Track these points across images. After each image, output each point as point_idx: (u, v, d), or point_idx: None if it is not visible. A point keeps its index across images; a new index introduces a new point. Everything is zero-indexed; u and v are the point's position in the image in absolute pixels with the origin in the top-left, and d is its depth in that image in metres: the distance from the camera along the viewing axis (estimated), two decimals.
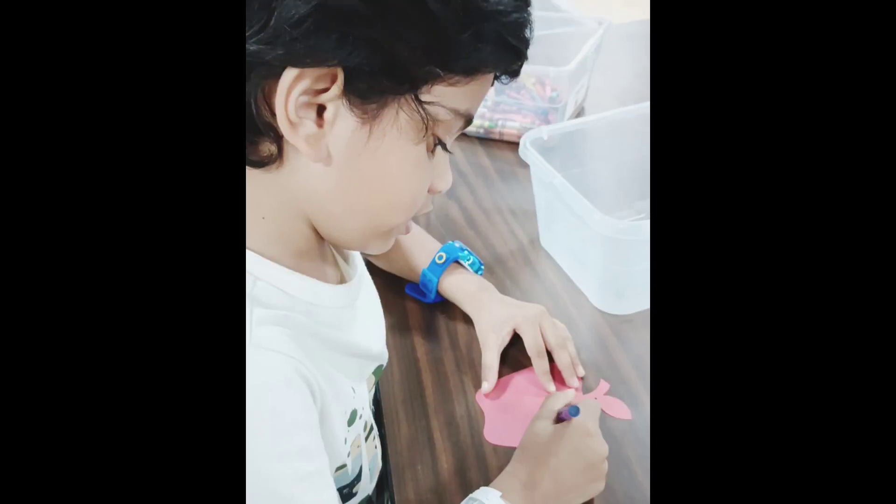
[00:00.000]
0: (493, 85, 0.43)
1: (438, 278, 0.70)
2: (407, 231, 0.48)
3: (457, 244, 0.72)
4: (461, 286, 0.69)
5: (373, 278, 0.76)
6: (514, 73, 0.41)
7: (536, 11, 1.18)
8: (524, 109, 1.01)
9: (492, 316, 0.66)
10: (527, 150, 0.75)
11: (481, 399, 0.63)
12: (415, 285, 0.73)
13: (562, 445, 0.52)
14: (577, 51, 0.98)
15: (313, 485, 0.41)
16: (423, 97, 0.38)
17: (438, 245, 0.72)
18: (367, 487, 0.55)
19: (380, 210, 0.43)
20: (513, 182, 0.92)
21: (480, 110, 1.03)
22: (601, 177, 0.83)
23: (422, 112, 0.38)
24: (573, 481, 0.52)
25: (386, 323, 0.71)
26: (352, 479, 0.52)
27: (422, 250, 0.73)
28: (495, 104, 1.02)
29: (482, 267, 0.72)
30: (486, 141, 1.02)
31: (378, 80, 0.37)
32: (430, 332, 0.70)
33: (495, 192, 0.91)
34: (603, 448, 0.54)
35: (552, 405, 0.56)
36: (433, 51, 0.37)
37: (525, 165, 0.76)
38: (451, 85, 0.38)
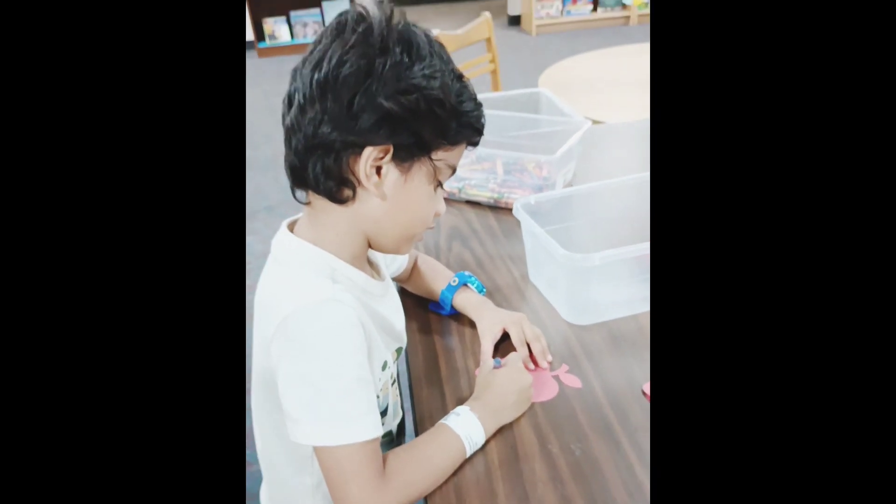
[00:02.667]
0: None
1: (452, 296, 0.99)
2: (421, 239, 0.79)
3: (466, 273, 1.01)
4: (468, 300, 0.98)
5: (407, 300, 1.06)
6: (476, 143, 0.75)
7: (545, 116, 1.53)
8: (524, 185, 1.32)
9: (488, 319, 0.95)
10: (518, 211, 1.05)
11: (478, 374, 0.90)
12: (435, 303, 1.03)
13: (503, 378, 0.82)
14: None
15: (364, 386, 0.70)
16: (434, 158, 0.70)
17: (452, 274, 1.02)
18: (390, 423, 0.84)
19: (410, 224, 0.74)
20: (512, 238, 1.22)
21: (491, 185, 1.35)
22: (576, 232, 1.12)
23: (433, 166, 0.70)
24: (510, 399, 0.81)
25: (414, 326, 1.00)
26: (381, 409, 0.79)
27: (441, 278, 1.02)
28: (504, 181, 1.34)
29: (484, 289, 1.01)
30: (496, 208, 1.33)
31: (411, 151, 0.68)
32: (445, 333, 0.99)
33: (499, 244, 1.21)
34: (528, 378, 0.84)
35: (488, 363, 0.87)
36: (439, 133, 0.69)
37: None
38: (446, 151, 0.71)
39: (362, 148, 0.66)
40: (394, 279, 1.04)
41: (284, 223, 0.77)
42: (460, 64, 2.48)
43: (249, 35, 5.61)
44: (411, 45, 0.66)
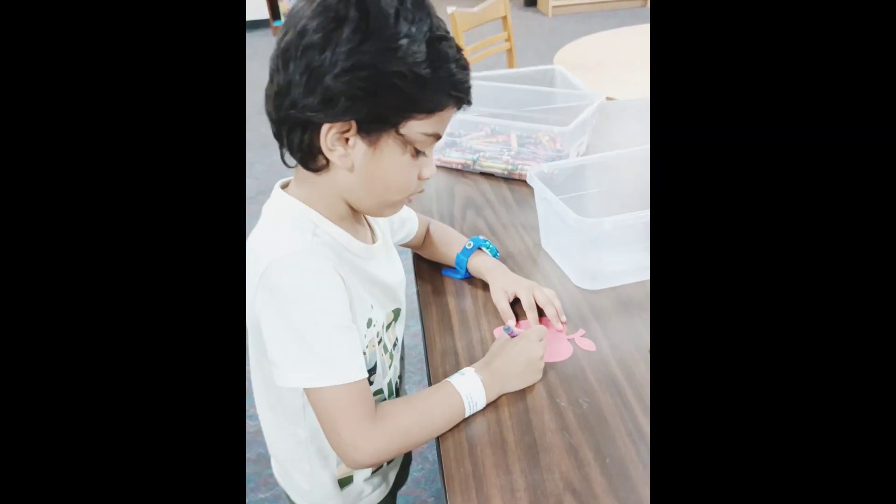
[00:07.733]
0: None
1: (468, 259, 1.02)
2: (410, 202, 0.79)
3: (481, 238, 1.04)
4: (483, 263, 1.01)
5: (422, 265, 1.09)
6: (461, 107, 0.71)
7: (560, 89, 1.57)
8: (538, 157, 1.35)
9: (502, 282, 0.97)
10: (532, 179, 1.08)
11: (498, 331, 0.93)
12: (450, 268, 1.06)
13: (514, 347, 0.82)
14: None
15: (345, 332, 0.71)
16: (402, 130, 0.68)
17: (466, 239, 1.05)
18: (380, 381, 0.85)
19: (384, 191, 0.74)
20: (525, 207, 1.25)
21: (505, 157, 1.37)
22: (588, 201, 1.15)
23: (401, 138, 0.69)
24: (518, 369, 0.81)
25: (428, 289, 1.03)
26: (369, 367, 0.79)
27: (455, 243, 1.04)
28: (518, 153, 1.37)
29: (497, 253, 1.04)
30: (510, 180, 1.36)
31: (373, 126, 0.67)
32: (459, 294, 1.02)
33: (513, 213, 1.24)
34: (540, 351, 0.82)
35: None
36: (405, 106, 0.66)
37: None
38: (422, 119, 0.68)
39: (321, 124, 0.67)
40: (406, 245, 1.06)
41: (278, 183, 0.79)
42: (475, 42, 2.50)
43: (265, 13, 5.63)
44: (369, 13, 0.63)
